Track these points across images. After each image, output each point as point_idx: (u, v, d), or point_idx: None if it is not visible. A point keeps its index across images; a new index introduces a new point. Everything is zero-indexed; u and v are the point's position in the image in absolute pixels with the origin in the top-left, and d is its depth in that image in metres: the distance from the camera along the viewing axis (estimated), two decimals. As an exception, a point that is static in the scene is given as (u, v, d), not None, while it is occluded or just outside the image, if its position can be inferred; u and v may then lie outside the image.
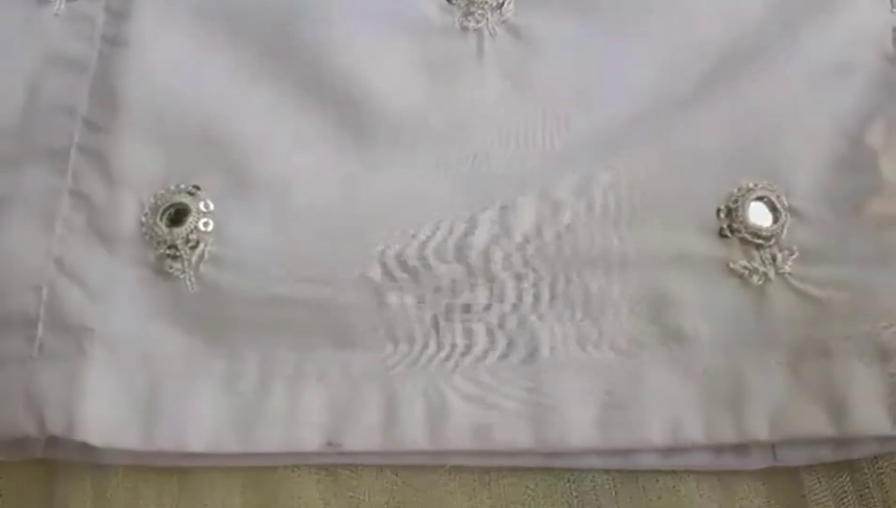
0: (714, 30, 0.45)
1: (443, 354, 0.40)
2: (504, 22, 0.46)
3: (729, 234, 0.42)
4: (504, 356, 0.40)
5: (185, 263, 0.41)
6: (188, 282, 0.41)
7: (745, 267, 0.41)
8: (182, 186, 0.43)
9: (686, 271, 0.41)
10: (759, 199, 0.42)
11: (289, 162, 0.43)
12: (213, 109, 0.44)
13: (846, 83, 0.44)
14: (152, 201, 0.42)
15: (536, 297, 0.41)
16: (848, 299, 0.40)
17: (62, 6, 0.46)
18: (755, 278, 0.41)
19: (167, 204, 0.42)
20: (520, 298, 0.41)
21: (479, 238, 0.41)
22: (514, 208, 0.41)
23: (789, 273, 0.41)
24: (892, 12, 0.46)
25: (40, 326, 0.40)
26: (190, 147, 0.43)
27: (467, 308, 0.41)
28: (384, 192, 0.42)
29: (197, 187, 0.43)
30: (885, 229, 0.41)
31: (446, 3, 0.46)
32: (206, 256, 0.41)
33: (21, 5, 0.46)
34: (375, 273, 0.41)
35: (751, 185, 0.42)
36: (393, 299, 0.40)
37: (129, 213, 0.42)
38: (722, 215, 0.42)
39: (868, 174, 0.43)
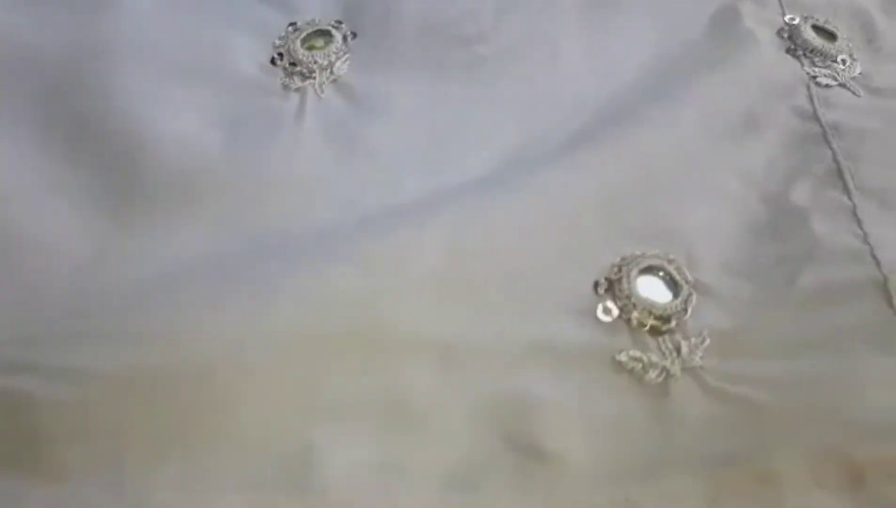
0: (588, 85, 0.37)
1: None
2: (335, 81, 0.38)
3: (611, 315, 0.30)
4: None
5: None
6: None
7: (637, 359, 0.29)
8: None
9: (552, 366, 0.29)
10: (650, 270, 0.31)
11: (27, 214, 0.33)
12: None
13: (756, 139, 0.35)
14: None
15: None
16: (791, 400, 0.28)
17: None
18: (652, 374, 0.29)
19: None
20: None
21: None
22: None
23: (701, 367, 0.29)
24: (802, 69, 0.38)
25: None
26: None
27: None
28: (141, 263, 0.32)
29: None
30: (829, 303, 0.30)
31: (268, 64, 0.39)
32: None
33: None
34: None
35: (637, 252, 0.32)
36: None
37: None
38: (601, 291, 0.31)
39: (795, 238, 0.32)
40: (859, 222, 0.32)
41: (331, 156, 0.35)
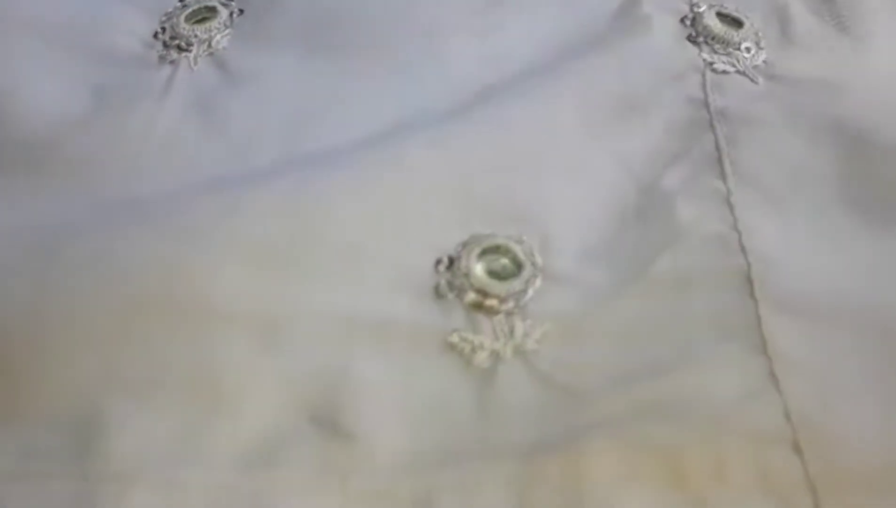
0: (474, 68, 0.35)
1: None
2: (210, 55, 0.37)
3: (448, 293, 0.28)
4: None
5: None
6: None
7: (468, 340, 0.27)
8: None
9: (380, 345, 0.27)
10: (496, 250, 0.29)
11: None
12: None
13: (640, 124, 0.33)
14: None
15: None
16: (619, 391, 0.25)
17: None
18: (481, 356, 0.27)
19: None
20: None
21: None
22: None
23: (535, 352, 0.27)
24: (700, 55, 0.36)
25: None
26: None
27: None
28: None
29: None
30: (684, 291, 0.27)
31: (150, 37, 0.38)
32: None
33: None
34: None
35: (486, 232, 0.29)
36: None
37: None
38: (441, 268, 0.29)
39: (659, 224, 0.29)
40: (731, 208, 0.30)
41: (191, 128, 0.34)
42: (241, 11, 0.39)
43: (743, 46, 0.36)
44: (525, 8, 0.38)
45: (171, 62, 0.36)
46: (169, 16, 0.39)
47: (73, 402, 0.26)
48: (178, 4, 0.39)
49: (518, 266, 0.28)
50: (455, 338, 0.27)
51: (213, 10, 0.39)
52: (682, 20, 0.37)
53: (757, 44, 0.36)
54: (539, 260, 0.29)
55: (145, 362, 0.26)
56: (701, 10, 0.37)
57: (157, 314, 0.27)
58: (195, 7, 0.39)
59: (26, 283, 0.28)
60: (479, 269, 0.28)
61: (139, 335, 0.27)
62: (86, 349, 0.27)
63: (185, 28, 0.38)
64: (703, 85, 0.34)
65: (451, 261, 0.29)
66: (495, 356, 0.26)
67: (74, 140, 0.33)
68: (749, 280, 0.27)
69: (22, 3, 0.38)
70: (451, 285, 0.28)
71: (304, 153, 0.32)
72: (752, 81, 0.35)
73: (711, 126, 0.33)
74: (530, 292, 0.28)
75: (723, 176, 0.31)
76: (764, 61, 0.36)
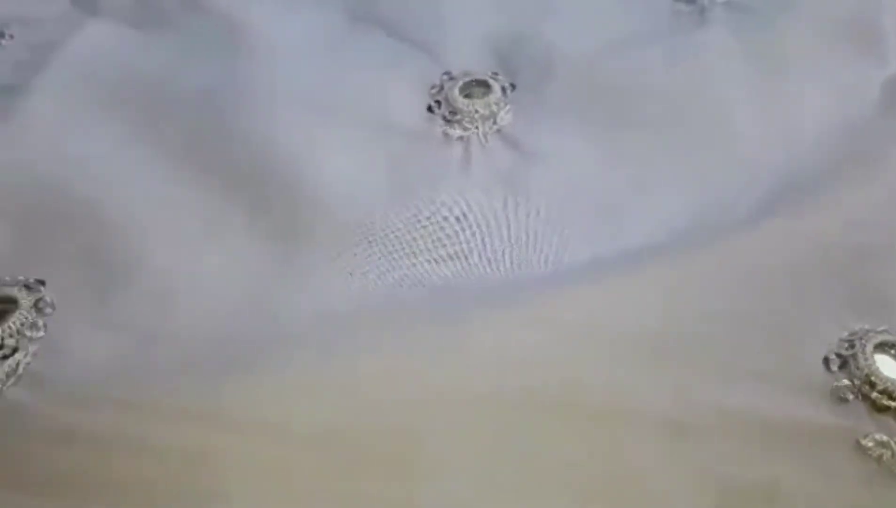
0: (763, 151, 0.35)
1: None
2: (498, 131, 0.36)
3: (850, 394, 0.27)
4: None
5: (-15, 378, 0.26)
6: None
7: (884, 444, 0.26)
8: (20, 278, 0.29)
9: (792, 448, 0.26)
10: (883, 347, 0.28)
11: (180, 260, 0.30)
12: (88, 194, 0.32)
13: None
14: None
15: None
16: None
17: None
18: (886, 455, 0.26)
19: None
20: None
21: None
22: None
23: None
24: None
25: None
26: (46, 232, 0.30)
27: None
28: (301, 305, 0.29)
29: (41, 282, 0.29)
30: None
31: (426, 112, 0.37)
32: (22, 371, 0.26)
33: None
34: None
35: (865, 326, 0.29)
36: None
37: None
38: (834, 367, 0.28)
39: None
40: None
41: (499, 206, 0.33)
42: (514, 86, 0.38)
43: None
44: (794, 89, 0.38)
45: (460, 138, 0.35)
46: (438, 88, 0.38)
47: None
48: (445, 77, 0.38)
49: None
50: (869, 442, 0.26)
51: (484, 84, 0.38)
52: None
53: None
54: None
55: (554, 458, 0.25)
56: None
57: (543, 409, 0.26)
58: (465, 81, 0.38)
59: (410, 376, 0.26)
60: (880, 368, 0.27)
61: (529, 430, 0.25)
62: (494, 443, 0.25)
63: (462, 103, 0.37)
64: None
65: (843, 359, 0.27)
66: None
67: (384, 216, 0.32)
68: None
69: (288, 73, 0.37)
70: (851, 385, 0.27)
71: (626, 242, 0.31)
72: None
73: None
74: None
75: None
76: None
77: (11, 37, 0.40)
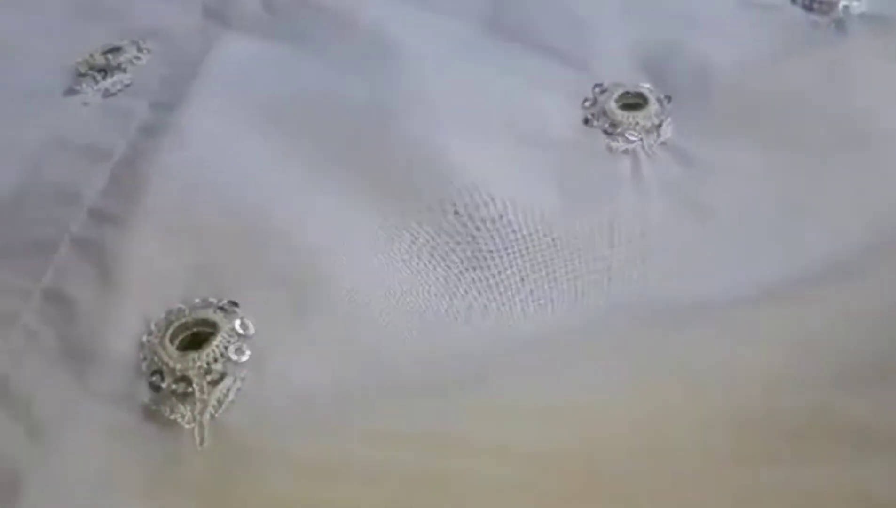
0: None
1: None
2: (663, 144, 0.35)
3: None
4: None
5: (198, 405, 0.25)
6: (196, 434, 0.24)
7: None
8: (212, 300, 0.28)
9: None
10: None
11: (367, 277, 0.29)
12: (266, 210, 0.31)
13: None
14: (163, 315, 0.28)
15: None
16: None
17: (94, 98, 0.37)
18: None
19: (184, 322, 0.27)
20: None
21: None
22: None
23: None
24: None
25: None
26: (230, 252, 0.30)
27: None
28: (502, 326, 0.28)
29: (234, 304, 0.28)
30: None
31: (583, 125, 0.36)
32: (233, 396, 0.25)
33: (41, 89, 0.37)
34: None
35: None
36: None
37: (125, 328, 0.27)
38: None
39: None
40: None
41: (678, 221, 0.32)
42: (669, 98, 0.37)
43: None
44: None
45: (625, 151, 0.35)
46: (592, 101, 0.37)
47: None
48: (597, 90, 0.38)
49: None
50: None
51: (641, 95, 0.37)
52: None
53: None
54: None
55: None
56: None
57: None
58: (621, 92, 0.37)
59: (618, 392, 0.25)
60: None
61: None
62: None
63: (621, 115, 0.36)
64: None
65: None
66: None
67: (563, 232, 0.31)
68: None
69: (439, 91, 0.37)
70: None
71: (808, 261, 0.31)
72: None
73: None
74: None
75: None
76: None
77: (149, 51, 0.40)
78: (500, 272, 0.30)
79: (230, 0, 0.42)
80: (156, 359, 0.26)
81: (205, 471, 0.24)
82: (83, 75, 0.38)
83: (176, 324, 0.27)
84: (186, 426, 0.25)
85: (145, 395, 0.26)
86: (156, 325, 0.27)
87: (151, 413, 0.25)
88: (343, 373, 0.26)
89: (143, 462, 0.24)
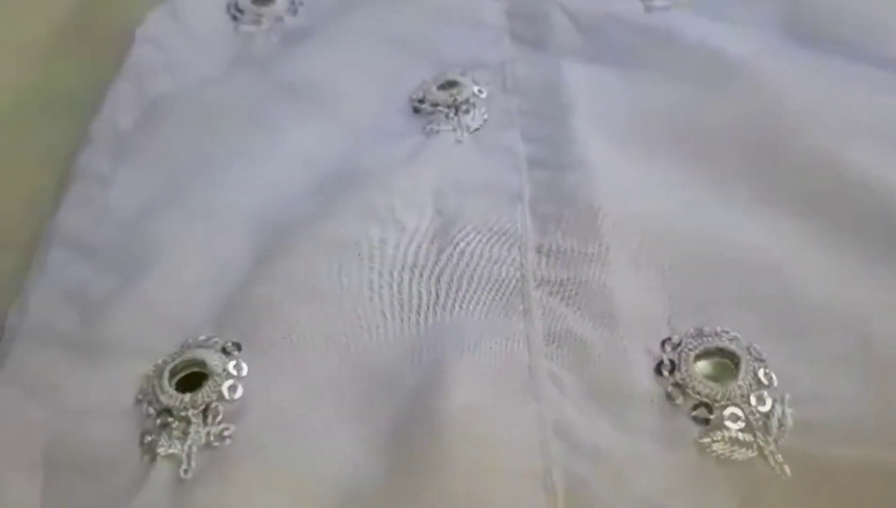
0: None
1: None
2: None
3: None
4: None
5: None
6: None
7: None
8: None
9: None
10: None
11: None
12: (718, 233, 0.31)
13: None
14: (658, 351, 0.28)
15: None
16: None
17: (462, 135, 0.36)
18: None
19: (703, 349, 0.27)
20: None
21: None
22: None
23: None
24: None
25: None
26: (703, 278, 0.30)
27: None
28: None
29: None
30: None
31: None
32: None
33: (390, 129, 0.37)
34: None
35: None
36: None
37: (637, 367, 0.27)
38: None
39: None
40: None
41: None
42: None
43: None
44: None
45: None
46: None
47: None
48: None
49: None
50: None
51: None
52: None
53: None
54: None
55: None
56: None
57: None
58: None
59: None
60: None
61: None
62: None
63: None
64: None
65: None
66: None
67: None
68: None
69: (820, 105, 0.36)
70: None
71: None
72: None
73: None
74: None
75: None
76: None
77: (486, 83, 0.39)
78: None
79: (539, 25, 0.42)
80: (692, 390, 0.26)
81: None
82: (426, 113, 0.38)
83: (696, 351, 0.27)
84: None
85: (692, 428, 0.26)
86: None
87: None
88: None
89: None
